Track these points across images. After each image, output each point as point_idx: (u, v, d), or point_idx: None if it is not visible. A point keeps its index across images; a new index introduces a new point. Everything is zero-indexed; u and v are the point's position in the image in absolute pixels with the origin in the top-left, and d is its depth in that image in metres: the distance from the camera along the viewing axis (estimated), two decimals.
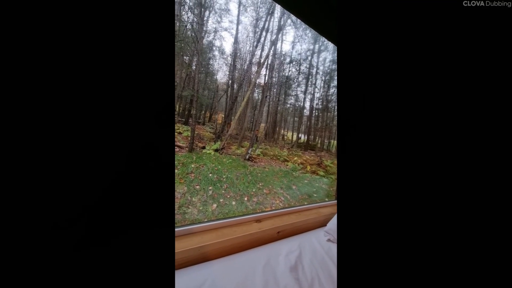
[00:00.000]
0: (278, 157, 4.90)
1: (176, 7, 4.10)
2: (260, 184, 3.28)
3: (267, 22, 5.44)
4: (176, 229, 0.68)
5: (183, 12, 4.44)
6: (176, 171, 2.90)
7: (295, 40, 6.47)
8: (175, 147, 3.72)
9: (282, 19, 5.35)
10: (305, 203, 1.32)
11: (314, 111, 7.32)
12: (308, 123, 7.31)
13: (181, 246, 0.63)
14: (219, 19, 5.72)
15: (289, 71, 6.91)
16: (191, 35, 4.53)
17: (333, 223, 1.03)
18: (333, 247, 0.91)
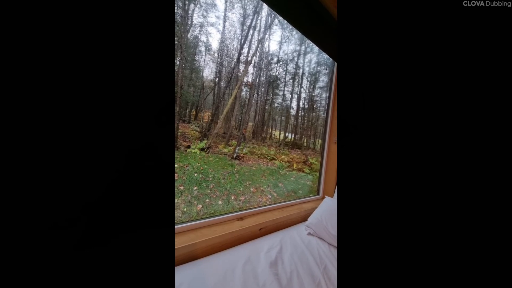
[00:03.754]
0: (266, 156, 4.94)
1: None
2: (248, 183, 3.27)
3: (254, 20, 5.41)
4: None
5: None
6: None
7: (282, 40, 6.55)
8: None
9: (269, 18, 5.37)
10: (290, 199, 1.34)
11: (300, 111, 7.52)
12: (295, 122, 7.49)
13: None
14: (204, 14, 5.53)
15: (276, 70, 6.99)
16: (175, 28, 4.30)
17: (314, 217, 1.07)
18: (313, 240, 0.94)
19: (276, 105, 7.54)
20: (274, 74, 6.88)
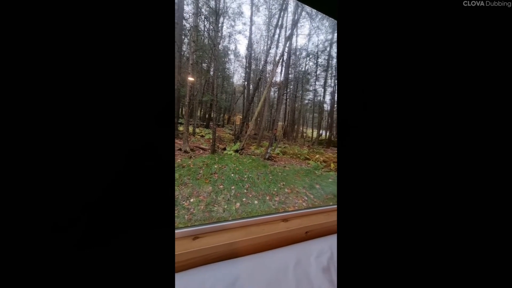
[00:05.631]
0: (299, 156, 4.79)
1: (193, 18, 4.37)
2: (282, 184, 3.27)
3: (280, 19, 5.35)
4: (208, 226, 0.73)
5: (200, 22, 4.71)
6: (201, 171, 3.12)
7: (311, 32, 6.19)
8: (199, 149, 4.00)
9: (296, 14, 5.18)
10: (331, 204, 1.28)
11: (335, 105, 6.90)
12: (329, 118, 6.93)
13: (213, 242, 0.67)
14: (232, 23, 5.87)
15: (305, 65, 6.66)
16: (208, 42, 4.78)
17: None
18: None
19: (306, 101, 7.18)
20: (303, 69, 6.58)
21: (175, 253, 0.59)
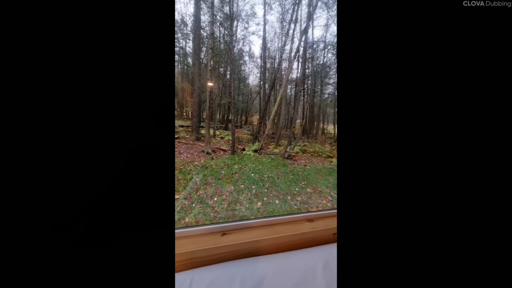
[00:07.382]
0: (320, 154, 4.59)
1: (209, 27, 4.60)
2: (303, 183, 3.20)
3: (294, 13, 5.19)
4: (235, 223, 0.76)
5: (215, 29, 4.92)
6: (222, 171, 3.28)
7: (329, 22, 5.82)
8: (220, 150, 4.20)
9: (311, 6, 4.95)
10: None
11: None
12: None
13: (240, 238, 0.69)
14: (246, 25, 5.95)
15: (324, 57, 6.31)
16: (224, 47, 4.96)
17: None
18: None
19: (326, 96, 6.79)
20: (321, 62, 6.25)
21: (205, 247, 0.64)
